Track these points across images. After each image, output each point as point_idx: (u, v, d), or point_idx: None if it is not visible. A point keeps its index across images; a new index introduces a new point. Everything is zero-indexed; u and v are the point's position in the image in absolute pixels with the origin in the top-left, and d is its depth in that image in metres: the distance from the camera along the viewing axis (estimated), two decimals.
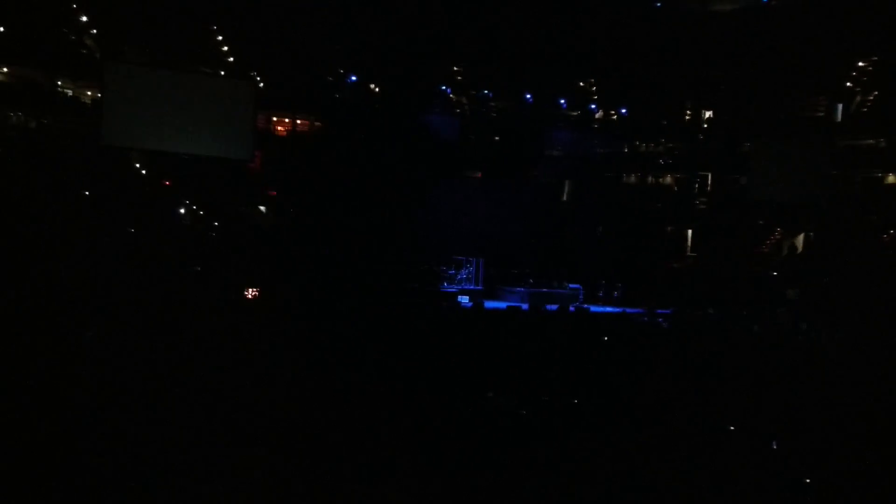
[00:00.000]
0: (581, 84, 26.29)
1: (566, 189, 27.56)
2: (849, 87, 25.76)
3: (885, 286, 20.85)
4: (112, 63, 20.40)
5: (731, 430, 6.81)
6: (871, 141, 26.36)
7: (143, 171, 22.46)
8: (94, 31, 21.16)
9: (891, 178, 26.14)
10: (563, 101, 25.91)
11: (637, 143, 29.90)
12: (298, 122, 27.12)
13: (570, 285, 24.80)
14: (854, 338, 14.92)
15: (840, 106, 26.52)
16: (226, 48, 23.33)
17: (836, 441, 6.25)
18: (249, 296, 20.31)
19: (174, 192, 22.64)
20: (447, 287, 23.23)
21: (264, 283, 20.17)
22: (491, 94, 25.32)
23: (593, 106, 26.54)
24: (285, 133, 27.19)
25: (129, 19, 20.81)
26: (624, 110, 26.72)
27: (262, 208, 26.04)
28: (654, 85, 25.79)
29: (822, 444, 6.23)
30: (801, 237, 27.56)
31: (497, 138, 26.20)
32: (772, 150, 26.06)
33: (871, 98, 25.49)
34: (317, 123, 27.07)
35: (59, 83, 21.79)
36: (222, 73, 23.25)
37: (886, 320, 17.27)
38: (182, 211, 23.06)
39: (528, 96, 25.15)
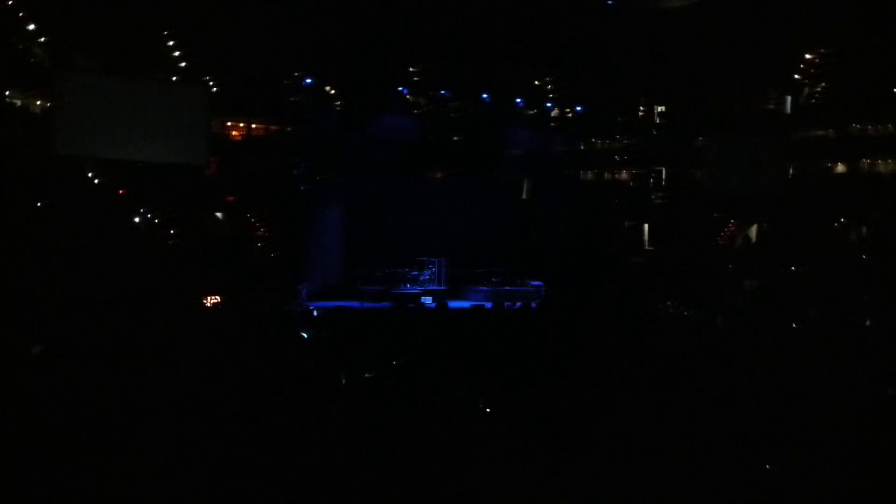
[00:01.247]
0: (537, 83, 26.45)
1: (526, 187, 27.71)
2: (798, 79, 26.31)
3: (838, 273, 21.39)
4: (62, 71, 19.98)
5: (697, 424, 6.91)
6: (822, 132, 26.99)
7: (97, 181, 22.02)
8: (43, 39, 20.67)
9: (840, 168, 26.80)
10: (519, 101, 26.04)
11: (593, 140, 30.21)
12: (253, 126, 26.83)
13: (533, 282, 25.00)
14: (813, 324, 15.30)
15: (789, 98, 27.08)
16: (177, 53, 22.96)
17: (806, 430, 6.38)
18: (209, 304, 20.12)
19: (130, 200, 22.25)
20: (411, 288, 23.24)
21: (225, 290, 19.97)
22: (449, 94, 25.33)
23: (549, 104, 26.73)
24: (240, 138, 26.88)
25: (78, 27, 20.36)
26: (579, 108, 26.96)
27: (219, 214, 25.73)
28: (608, 82, 26.07)
29: (794, 434, 6.34)
30: (755, 228, 28.11)
31: (456, 138, 26.23)
32: (725, 143, 26.50)
33: (820, 90, 26.07)
34: (272, 127, 26.81)
35: (7, 93, 21.28)
36: (174, 78, 22.90)
37: (842, 305, 17.72)
38: (137, 220, 22.68)
39: (486, 96, 25.23)
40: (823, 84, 25.92)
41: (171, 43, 22.86)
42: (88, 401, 7.16)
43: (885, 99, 24.53)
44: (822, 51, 25.43)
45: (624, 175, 30.50)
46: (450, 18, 23.00)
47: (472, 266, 25.16)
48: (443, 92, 25.20)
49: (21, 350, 9.11)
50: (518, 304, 21.15)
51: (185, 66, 23.21)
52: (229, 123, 26.51)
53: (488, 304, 20.81)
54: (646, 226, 29.65)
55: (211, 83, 24.26)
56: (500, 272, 24.93)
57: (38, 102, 21.55)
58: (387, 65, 23.85)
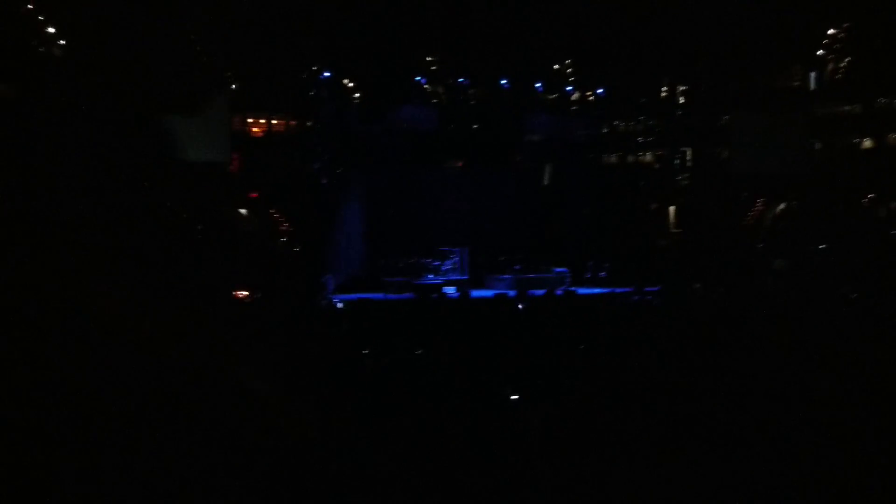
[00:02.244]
0: (556, 67, 26.18)
1: (547, 173, 27.51)
2: (821, 54, 25.82)
3: (868, 250, 20.99)
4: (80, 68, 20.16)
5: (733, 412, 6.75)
6: (848, 108, 26.48)
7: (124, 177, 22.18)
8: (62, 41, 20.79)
9: (867, 143, 26.29)
10: (539, 85, 25.79)
11: (616, 122, 29.88)
12: (274, 122, 26.92)
13: (557, 269, 24.83)
14: (842, 303, 15.01)
15: (813, 74, 26.61)
16: (197, 49, 23.04)
17: (840, 420, 6.21)
18: (240, 298, 20.21)
19: (156, 195, 22.36)
20: (433, 279, 23.20)
21: (254, 286, 20.06)
22: (467, 83, 25.16)
23: (570, 88, 26.45)
24: (262, 134, 26.98)
25: (97, 24, 20.48)
26: (601, 90, 26.66)
27: (244, 211, 25.85)
28: (629, 63, 25.76)
29: (825, 424, 6.17)
30: (783, 207, 27.68)
31: (476, 126, 26.08)
32: (750, 122, 26.15)
33: (844, 65, 25.57)
34: (292, 122, 26.87)
35: None
36: (195, 75, 23.00)
37: (873, 283, 17.37)
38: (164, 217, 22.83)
39: (504, 82, 25.03)
40: (848, 59, 25.42)
41: (191, 38, 22.95)
42: (117, 397, 7.17)
43: None
44: (845, 25, 24.93)
45: (649, 157, 30.15)
46: (465, 5, 22.87)
47: (494, 255, 25.08)
48: (461, 80, 25.05)
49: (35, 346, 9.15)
50: (558, 291, 20.98)
51: (205, 62, 23.32)
52: (250, 120, 26.64)
53: (512, 293, 20.68)
54: (671, 208, 29.32)
55: (231, 80, 24.39)
56: (523, 260, 24.80)
57: None
58: (403, 54, 23.75)
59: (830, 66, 25.88)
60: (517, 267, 24.46)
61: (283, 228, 25.74)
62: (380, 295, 21.60)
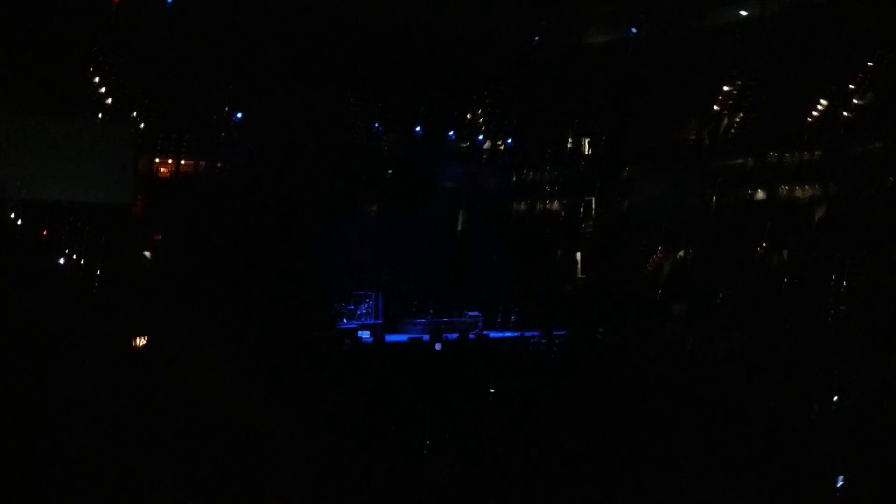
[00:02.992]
0: (468, 116, 26.82)
1: (460, 219, 27.93)
2: (716, 110, 27.33)
3: (762, 295, 22.16)
4: None
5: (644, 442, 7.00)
6: (741, 160, 28.02)
7: (19, 223, 21.20)
8: None
9: (759, 195, 27.79)
10: (452, 134, 26.35)
11: (525, 171, 30.72)
12: (182, 162, 26.35)
13: (470, 313, 25.11)
14: (742, 345, 15.79)
15: (707, 129, 28.07)
16: (103, 89, 22.44)
17: (740, 446, 6.52)
18: (138, 344, 19.49)
19: (52, 242, 21.45)
20: (347, 323, 23.04)
21: (155, 331, 19.41)
22: (382, 129, 25.45)
23: (481, 137, 27.12)
24: (168, 175, 26.33)
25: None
26: (510, 140, 27.43)
27: (147, 254, 25.05)
28: (538, 115, 26.65)
29: (727, 449, 6.48)
30: (681, 255, 28.86)
31: (390, 172, 26.33)
32: (649, 173, 27.29)
33: (738, 119, 27.12)
34: (201, 163, 26.38)
35: None
36: (99, 115, 22.35)
37: (767, 326, 18.34)
38: (62, 261, 21.88)
39: (418, 129, 25.45)
40: (741, 114, 26.97)
41: (95, 79, 22.35)
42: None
43: (800, 127, 25.69)
44: (738, 82, 26.51)
45: (556, 205, 31.01)
46: (379, 51, 23.24)
47: (407, 299, 25.15)
48: (376, 125, 25.31)
49: None
50: (471, 335, 21.21)
51: (110, 102, 22.72)
52: (157, 160, 25.99)
53: (426, 337, 20.77)
54: (577, 254, 30.14)
55: (137, 119, 23.79)
56: (436, 304, 24.97)
57: None
58: (318, 98, 23.82)
59: (725, 121, 27.40)
60: (430, 311, 24.60)
61: (190, 271, 25.06)
62: None
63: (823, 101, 25.04)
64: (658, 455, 6.58)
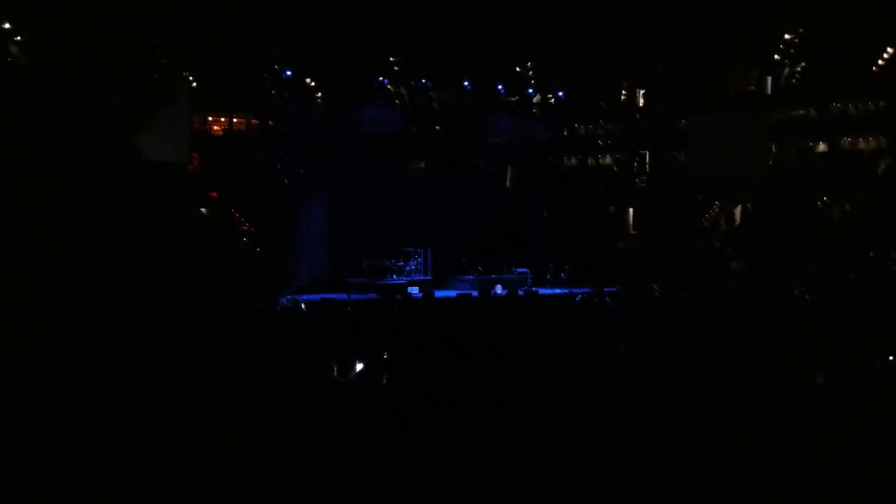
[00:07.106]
0: (518, 69, 26.38)
1: (509, 175, 27.70)
2: (777, 59, 26.40)
3: (824, 252, 21.54)
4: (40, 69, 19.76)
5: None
6: (802, 112, 27.12)
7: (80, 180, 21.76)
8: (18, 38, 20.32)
9: (822, 147, 26.94)
10: (501, 88, 25.98)
11: (576, 125, 30.22)
12: (235, 120, 26.69)
13: (519, 270, 25.05)
14: (800, 304, 15.39)
15: (769, 79, 27.18)
16: (157, 49, 22.73)
17: (806, 422, 6.35)
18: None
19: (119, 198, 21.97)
20: (397, 279, 23.22)
21: (213, 286, 19.84)
22: (430, 84, 25.21)
23: (531, 91, 26.67)
24: (222, 133, 26.74)
25: (54, 24, 20.05)
26: (561, 94, 26.93)
27: (204, 210, 25.57)
28: (589, 67, 26.06)
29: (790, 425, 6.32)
30: (739, 210, 28.24)
31: (439, 128, 26.16)
32: (707, 125, 26.60)
33: (799, 70, 26.18)
34: (254, 122, 26.67)
35: None
36: (154, 75, 22.69)
37: (828, 284, 17.85)
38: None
39: (467, 84, 25.15)
40: (803, 64, 26.03)
41: (150, 39, 22.63)
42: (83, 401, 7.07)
43: (864, 77, 24.69)
44: (800, 30, 25.52)
45: (608, 160, 30.54)
46: (429, 6, 22.91)
47: (456, 256, 25.19)
48: (423, 81, 25.10)
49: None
50: (520, 291, 21.18)
51: (165, 62, 23.02)
52: (210, 118, 26.37)
53: (475, 293, 20.80)
54: (630, 210, 29.73)
55: (191, 79, 24.11)
56: (485, 260, 24.96)
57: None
58: (366, 55, 23.70)
59: (786, 71, 26.47)
60: (479, 268, 24.61)
61: (245, 229, 25.55)
62: (342, 296, 21.55)
63: (889, 49, 24.00)
64: (718, 415, 6.44)
